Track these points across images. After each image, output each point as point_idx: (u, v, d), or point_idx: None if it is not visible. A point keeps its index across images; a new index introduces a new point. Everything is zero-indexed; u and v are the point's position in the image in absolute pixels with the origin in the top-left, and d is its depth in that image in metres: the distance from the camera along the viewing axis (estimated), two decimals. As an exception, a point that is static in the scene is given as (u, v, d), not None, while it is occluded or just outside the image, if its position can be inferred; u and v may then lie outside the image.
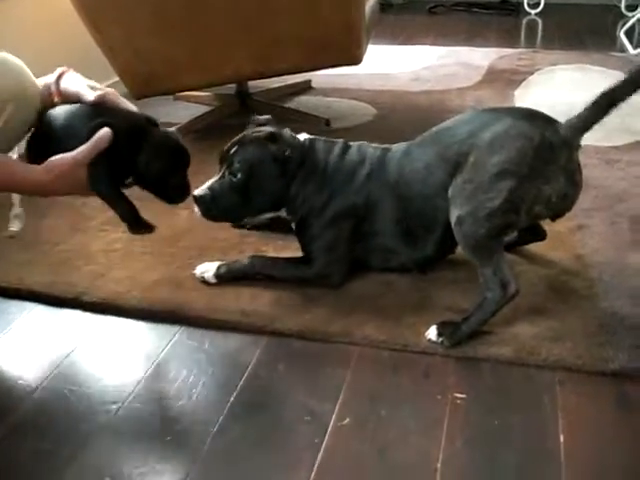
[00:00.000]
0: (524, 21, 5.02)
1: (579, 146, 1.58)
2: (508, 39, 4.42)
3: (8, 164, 1.44)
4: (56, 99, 1.55)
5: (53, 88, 1.55)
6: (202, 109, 3.10)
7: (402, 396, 1.42)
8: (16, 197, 1.72)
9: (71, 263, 1.91)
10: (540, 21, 4.99)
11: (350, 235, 1.74)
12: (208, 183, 1.71)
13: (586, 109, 1.53)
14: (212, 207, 1.70)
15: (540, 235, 1.82)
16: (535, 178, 1.51)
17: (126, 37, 2.52)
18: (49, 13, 2.82)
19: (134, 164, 1.50)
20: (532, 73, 3.53)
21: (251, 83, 3.11)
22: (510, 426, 1.32)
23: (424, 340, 1.54)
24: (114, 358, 1.59)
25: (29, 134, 1.54)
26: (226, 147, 1.73)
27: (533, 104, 2.98)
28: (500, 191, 1.50)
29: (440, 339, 1.53)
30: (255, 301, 1.70)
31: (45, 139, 1.51)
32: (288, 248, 1.90)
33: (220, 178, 1.71)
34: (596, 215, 2.04)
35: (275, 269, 1.78)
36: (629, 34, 4.28)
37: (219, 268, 1.78)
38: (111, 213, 2.04)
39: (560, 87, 3.28)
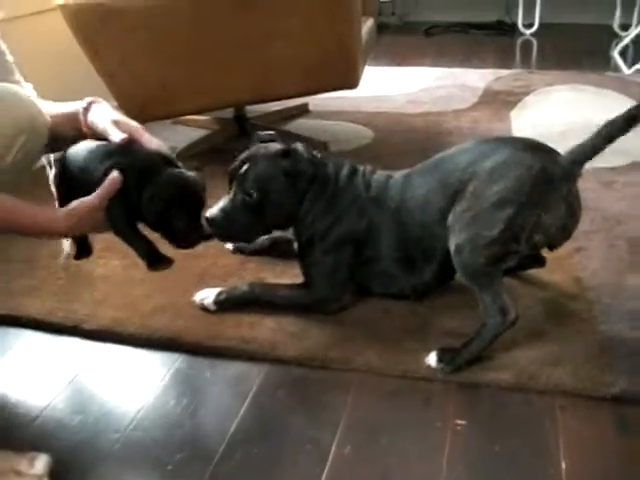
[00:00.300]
0: (519, 41, 5.05)
1: (579, 176, 1.59)
2: (504, 60, 4.45)
3: (30, 211, 1.45)
4: (84, 129, 1.58)
5: (81, 118, 1.57)
6: (200, 133, 3.12)
7: (402, 423, 1.42)
8: None
9: (71, 291, 1.91)
10: (535, 41, 5.02)
11: (351, 260, 1.74)
12: (220, 204, 1.68)
13: (587, 140, 1.56)
14: (226, 228, 1.68)
15: (539, 262, 1.82)
16: (534, 207, 1.51)
17: (123, 62, 2.52)
18: (47, 38, 2.84)
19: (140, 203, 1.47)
20: (528, 94, 3.55)
21: (249, 107, 3.13)
22: (511, 452, 1.32)
23: (424, 366, 1.54)
24: (115, 386, 1.58)
25: (54, 173, 1.58)
26: (234, 165, 1.70)
27: (529, 125, 3.03)
28: (499, 220, 1.51)
29: (440, 365, 1.53)
30: (255, 328, 1.70)
31: (67, 178, 1.55)
32: (287, 274, 1.91)
33: (232, 198, 1.69)
34: (594, 237, 2.04)
35: (275, 295, 1.78)
36: (623, 54, 4.30)
37: (219, 295, 1.78)
38: (109, 240, 2.05)
39: (556, 107, 3.30)
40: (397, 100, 3.60)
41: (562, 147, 2.65)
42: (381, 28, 4.80)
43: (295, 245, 1.80)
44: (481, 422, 1.40)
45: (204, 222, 1.60)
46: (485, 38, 5.15)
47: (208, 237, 1.59)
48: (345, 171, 1.76)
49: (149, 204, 1.45)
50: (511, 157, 1.56)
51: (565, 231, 1.59)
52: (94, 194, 1.44)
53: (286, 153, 1.68)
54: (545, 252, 1.81)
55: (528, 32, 5.16)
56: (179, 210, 1.47)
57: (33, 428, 1.46)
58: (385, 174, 1.79)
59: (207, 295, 1.79)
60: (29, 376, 1.64)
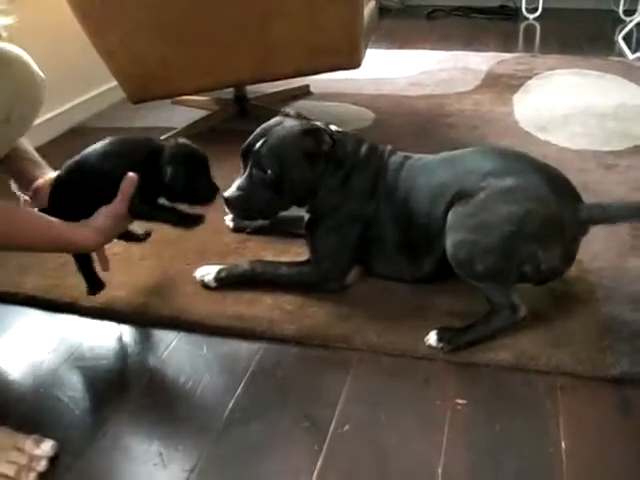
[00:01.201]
0: (522, 26, 5.03)
1: (588, 231, 1.59)
2: (506, 44, 4.42)
3: (55, 224, 1.47)
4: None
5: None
6: (200, 113, 3.09)
7: (402, 402, 1.41)
8: None
9: (69, 268, 1.88)
10: (538, 26, 4.99)
11: (357, 240, 1.72)
12: (236, 183, 1.66)
13: (614, 203, 1.59)
14: (244, 207, 1.67)
15: None
16: (534, 242, 1.50)
17: (123, 41, 2.50)
18: (48, 18, 2.81)
19: (161, 183, 1.55)
20: (530, 78, 3.53)
21: (249, 88, 3.10)
22: (511, 432, 1.31)
23: (424, 345, 1.53)
24: (112, 364, 1.57)
25: (53, 183, 1.60)
26: (249, 141, 1.67)
27: (532, 108, 3.01)
28: (499, 237, 1.49)
29: (440, 344, 1.52)
30: (254, 306, 1.69)
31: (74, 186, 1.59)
32: (288, 252, 1.90)
33: (248, 175, 1.65)
34: (596, 220, 2.02)
35: (276, 273, 1.76)
36: (627, 39, 4.28)
37: (219, 272, 1.76)
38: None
39: (558, 91, 3.28)
40: (398, 82, 3.57)
41: (564, 131, 2.67)
42: (383, 12, 4.78)
43: (305, 217, 1.77)
44: (481, 402, 1.39)
45: (223, 202, 1.65)
46: (488, 22, 5.12)
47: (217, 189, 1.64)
48: (364, 149, 1.73)
49: (174, 178, 1.54)
50: (534, 187, 1.52)
51: (555, 273, 1.60)
52: (116, 201, 1.51)
53: (307, 132, 1.65)
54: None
55: (531, 17, 5.14)
56: (198, 172, 1.58)
57: (29, 405, 1.45)
58: (403, 156, 1.76)
59: (208, 272, 1.77)
60: (26, 353, 1.62)
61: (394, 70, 3.82)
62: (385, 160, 1.73)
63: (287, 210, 1.75)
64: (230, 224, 2.06)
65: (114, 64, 2.55)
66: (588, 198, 2.09)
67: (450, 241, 1.55)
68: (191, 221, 1.62)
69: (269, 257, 1.89)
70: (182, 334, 1.64)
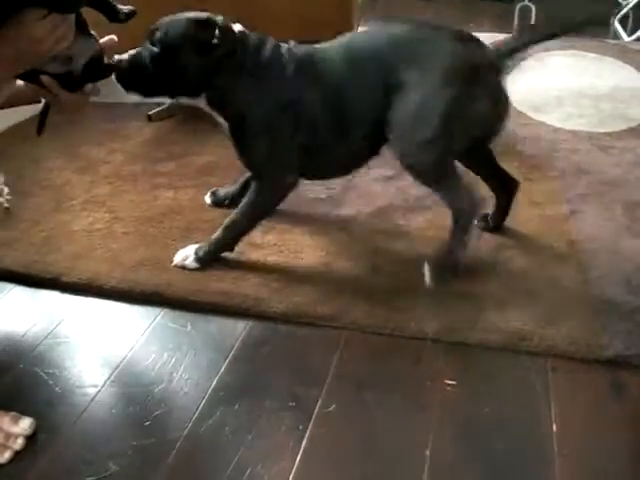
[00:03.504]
0: (518, 7, 4.96)
1: (505, 70, 1.65)
2: (501, 25, 4.37)
3: None
4: None
5: None
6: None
7: (390, 382, 1.38)
8: None
9: (51, 243, 1.86)
10: (534, 7, 4.93)
11: (288, 134, 1.66)
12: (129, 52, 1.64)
13: (513, 38, 1.67)
14: (127, 73, 1.63)
15: (513, 184, 1.82)
16: (464, 97, 1.55)
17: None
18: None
19: None
20: (525, 59, 3.47)
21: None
22: (501, 413, 1.29)
23: (413, 325, 1.50)
24: (93, 340, 1.53)
25: None
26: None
27: (526, 88, 2.96)
28: (435, 117, 1.53)
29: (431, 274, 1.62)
30: (239, 283, 1.65)
31: None
32: (273, 229, 1.87)
33: (140, 48, 1.64)
34: (589, 201, 1.99)
35: (240, 222, 1.73)
36: (623, 22, 4.23)
37: (197, 252, 1.72)
38: (93, 193, 2.01)
39: (554, 73, 3.24)
40: (392, 61, 3.52)
41: (558, 112, 2.64)
42: (377, -8, 4.72)
43: (225, 126, 1.70)
44: (471, 383, 1.37)
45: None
46: (483, 3, 5.06)
47: None
48: (269, 45, 1.68)
49: None
50: (442, 48, 1.58)
51: (494, 121, 1.64)
52: None
53: (199, 22, 1.61)
54: (539, 212, 1.78)
55: (527, -2, 5.08)
56: None
57: (8, 382, 1.41)
58: (311, 45, 1.72)
59: (186, 255, 1.73)
60: (6, 329, 1.59)
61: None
62: (293, 52, 1.68)
63: (176, 95, 1.70)
64: (208, 200, 2.03)
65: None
66: (583, 179, 2.09)
67: (398, 146, 1.61)
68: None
69: (256, 232, 1.83)
70: (166, 311, 1.60)
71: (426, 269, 1.62)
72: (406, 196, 2.03)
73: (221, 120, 1.69)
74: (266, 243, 1.82)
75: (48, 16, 1.27)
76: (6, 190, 1.99)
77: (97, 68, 1.46)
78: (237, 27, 1.66)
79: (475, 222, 1.77)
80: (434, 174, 1.62)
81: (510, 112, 1.66)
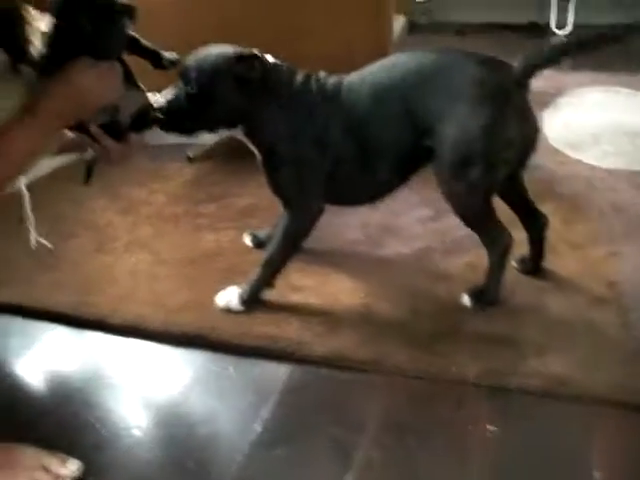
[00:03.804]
0: (552, 42, 4.99)
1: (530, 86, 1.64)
2: (536, 60, 4.38)
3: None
4: None
5: None
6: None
7: (432, 427, 1.38)
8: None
9: (95, 284, 1.90)
10: (568, 42, 4.95)
11: (318, 162, 1.70)
12: (164, 93, 1.67)
13: (540, 50, 1.62)
14: (169, 116, 1.66)
15: (543, 220, 1.82)
16: (498, 121, 1.55)
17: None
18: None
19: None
20: (561, 95, 3.49)
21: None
22: (542, 460, 1.28)
23: (454, 369, 1.50)
24: (138, 382, 1.56)
25: None
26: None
27: (562, 126, 2.97)
28: (475, 153, 1.55)
29: (473, 304, 1.69)
30: (281, 326, 1.67)
31: None
32: (313, 271, 1.89)
33: (175, 88, 1.67)
34: (629, 241, 1.98)
35: (278, 254, 1.75)
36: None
37: (240, 294, 1.75)
38: (136, 234, 2.05)
39: (589, 109, 3.24)
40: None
41: (595, 150, 2.64)
42: (412, 27, 4.76)
43: (258, 156, 1.74)
44: (512, 428, 1.36)
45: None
46: (517, 39, 5.08)
47: None
48: (300, 77, 1.72)
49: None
50: (468, 74, 1.57)
51: (529, 140, 1.64)
52: None
53: (239, 56, 1.64)
54: (579, 254, 1.78)
55: (561, 33, 5.10)
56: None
57: (54, 422, 1.44)
58: (340, 76, 1.74)
59: (229, 297, 1.75)
60: (53, 370, 1.63)
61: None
62: (322, 83, 1.72)
63: (215, 130, 1.73)
64: (249, 242, 2.07)
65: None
66: (621, 219, 2.08)
67: (445, 189, 1.63)
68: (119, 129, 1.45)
69: (294, 271, 1.87)
70: (209, 353, 1.62)
71: (466, 300, 1.70)
72: (445, 237, 2.04)
73: (255, 150, 1.74)
74: (306, 285, 1.84)
75: (95, 68, 1.32)
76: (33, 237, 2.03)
77: (144, 120, 1.51)
78: (269, 58, 1.71)
79: (514, 264, 1.81)
80: (481, 212, 1.64)
81: (540, 130, 1.68)
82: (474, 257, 1.86)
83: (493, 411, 1.41)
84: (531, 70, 1.59)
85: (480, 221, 1.66)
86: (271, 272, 1.76)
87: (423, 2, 5.49)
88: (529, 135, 1.62)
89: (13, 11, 1.36)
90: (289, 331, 1.65)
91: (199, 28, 2.46)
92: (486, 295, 1.70)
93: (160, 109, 1.64)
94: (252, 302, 1.75)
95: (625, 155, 2.64)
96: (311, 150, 1.69)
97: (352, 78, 1.72)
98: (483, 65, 1.59)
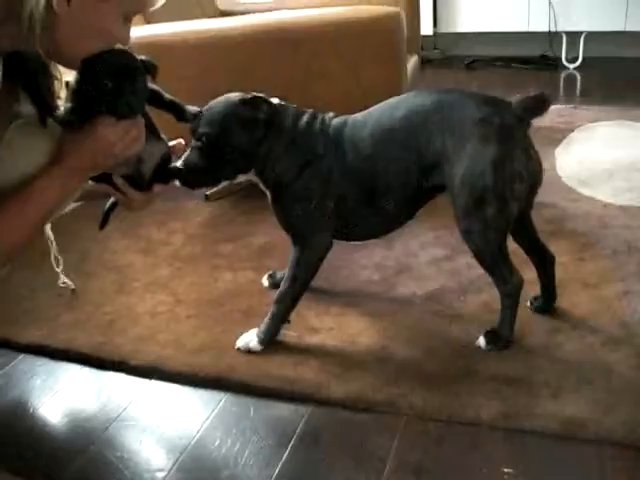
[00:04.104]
0: (563, 75, 5.03)
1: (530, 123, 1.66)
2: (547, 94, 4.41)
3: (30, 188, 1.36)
4: None
5: None
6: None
7: (448, 469, 1.40)
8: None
9: (117, 325, 1.94)
10: (579, 76, 5.00)
11: (323, 199, 1.75)
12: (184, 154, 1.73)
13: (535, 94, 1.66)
14: (187, 177, 1.72)
15: (550, 257, 1.85)
16: (505, 158, 1.60)
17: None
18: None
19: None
20: (572, 130, 3.52)
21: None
22: (559, 503, 1.30)
23: (470, 411, 1.52)
24: (160, 424, 1.59)
25: None
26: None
27: (574, 161, 3.01)
28: (487, 193, 1.60)
29: (490, 346, 1.72)
30: (299, 368, 1.70)
31: None
32: (329, 312, 1.92)
33: (190, 148, 1.73)
34: (643, 280, 2.01)
35: (291, 289, 1.79)
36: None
37: (258, 334, 1.78)
38: (156, 275, 2.08)
39: (601, 144, 3.27)
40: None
41: (608, 186, 2.66)
42: (423, 62, 4.82)
43: (267, 194, 1.81)
44: (528, 471, 1.38)
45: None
46: (528, 72, 5.14)
47: None
48: (305, 117, 1.78)
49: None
50: (472, 114, 1.63)
51: (535, 175, 1.67)
52: None
53: (244, 101, 1.71)
54: (592, 293, 1.80)
55: (572, 66, 5.14)
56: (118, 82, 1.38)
57: (81, 464, 1.47)
58: (346, 116, 1.81)
59: (249, 338, 1.79)
60: (76, 411, 1.66)
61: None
62: (327, 122, 1.79)
63: (233, 178, 1.80)
64: (266, 283, 2.11)
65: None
66: (635, 257, 2.10)
67: (462, 228, 1.67)
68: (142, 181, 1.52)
69: (312, 308, 1.92)
70: (228, 395, 1.65)
71: (482, 342, 1.73)
72: (459, 278, 2.07)
73: (264, 189, 1.81)
74: (323, 327, 1.87)
75: (119, 122, 1.38)
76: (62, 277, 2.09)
77: (166, 171, 1.56)
78: (275, 100, 1.78)
79: (528, 304, 1.85)
80: (497, 250, 1.66)
81: (543, 166, 1.70)
82: (488, 297, 1.89)
83: (509, 453, 1.42)
84: (531, 109, 1.64)
85: (495, 260, 1.68)
86: (285, 308, 1.80)
87: (430, 35, 5.55)
88: (534, 170, 1.66)
89: (41, 66, 1.42)
90: (306, 373, 1.68)
91: (217, 75, 2.52)
92: (500, 336, 1.73)
93: (179, 171, 1.70)
94: (270, 340, 1.79)
95: (639, 191, 2.65)
96: (316, 188, 1.75)
97: (356, 117, 1.79)
98: (485, 104, 1.64)
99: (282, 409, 1.60)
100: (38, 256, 1.99)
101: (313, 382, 1.64)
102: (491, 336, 1.73)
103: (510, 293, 1.71)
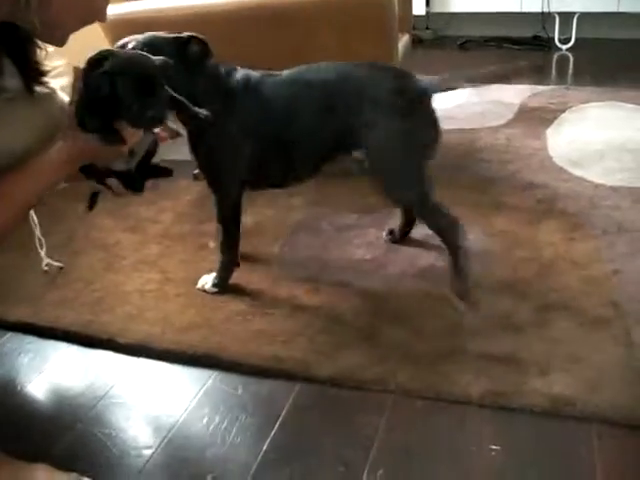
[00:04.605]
0: (555, 56, 5.01)
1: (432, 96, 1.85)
2: (540, 75, 4.41)
3: (31, 167, 1.36)
4: None
5: None
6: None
7: (436, 446, 1.40)
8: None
9: (105, 303, 1.93)
10: (571, 57, 4.98)
11: (242, 149, 1.83)
12: None
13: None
14: None
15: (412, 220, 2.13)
16: (414, 126, 1.79)
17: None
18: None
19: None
20: (564, 111, 3.51)
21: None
22: (546, 479, 1.30)
23: (457, 389, 1.52)
24: (147, 402, 1.59)
25: None
26: None
27: (566, 142, 3.00)
28: (400, 154, 1.80)
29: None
30: (288, 346, 1.69)
31: None
32: (320, 290, 1.92)
33: None
34: (632, 260, 2.00)
35: (225, 237, 1.94)
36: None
37: (214, 280, 1.95)
38: (145, 253, 2.07)
39: (592, 125, 3.26)
40: (432, 116, 3.57)
41: (599, 167, 2.66)
42: (415, 42, 4.80)
43: (184, 133, 1.83)
44: (516, 448, 1.38)
45: None
46: (521, 53, 5.11)
47: None
48: (238, 73, 1.86)
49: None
50: (388, 83, 1.79)
51: (436, 142, 1.87)
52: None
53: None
54: (581, 273, 1.80)
55: (564, 47, 5.13)
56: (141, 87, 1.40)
57: (66, 442, 1.47)
58: (272, 72, 1.89)
59: (206, 281, 1.96)
60: (64, 389, 1.65)
61: (427, 102, 3.81)
62: (256, 78, 1.86)
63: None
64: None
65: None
66: (624, 237, 2.10)
67: (390, 188, 1.86)
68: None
69: (302, 286, 1.93)
70: (217, 373, 1.65)
71: (455, 300, 1.80)
72: (446, 258, 2.04)
73: (183, 132, 1.83)
74: (313, 305, 1.87)
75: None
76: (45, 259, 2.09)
77: (149, 163, 1.55)
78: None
79: (384, 236, 2.18)
80: (420, 204, 1.84)
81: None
82: (477, 277, 1.89)
83: (497, 431, 1.42)
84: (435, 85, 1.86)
85: (423, 207, 1.84)
86: (229, 252, 1.95)
87: (422, 15, 5.52)
88: (437, 133, 1.85)
89: (24, 34, 1.40)
90: (294, 351, 1.68)
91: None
92: (462, 285, 1.83)
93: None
94: (224, 285, 1.95)
95: (629, 172, 2.65)
96: (235, 138, 1.82)
97: (283, 75, 1.89)
98: (397, 77, 1.82)
99: (270, 387, 1.59)
100: (26, 236, 1.98)
101: (302, 360, 1.64)
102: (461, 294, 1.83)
103: (453, 241, 1.83)
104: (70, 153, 1.37)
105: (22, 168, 1.34)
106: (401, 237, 2.17)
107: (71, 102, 1.42)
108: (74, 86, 1.42)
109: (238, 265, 1.99)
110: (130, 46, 1.69)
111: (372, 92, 1.76)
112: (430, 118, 1.83)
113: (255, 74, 1.86)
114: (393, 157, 1.80)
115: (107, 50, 1.43)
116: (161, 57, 1.45)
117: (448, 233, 1.82)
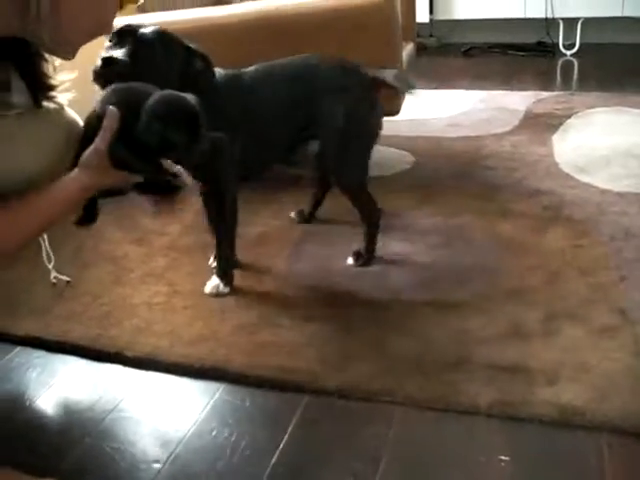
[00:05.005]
0: (560, 62, 5.02)
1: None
2: (544, 81, 4.41)
3: (47, 194, 1.41)
4: None
5: None
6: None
7: (445, 458, 1.40)
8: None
9: (113, 317, 1.93)
10: (576, 62, 4.98)
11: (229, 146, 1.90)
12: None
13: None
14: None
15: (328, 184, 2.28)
16: (362, 115, 2.00)
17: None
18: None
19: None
20: (569, 117, 3.51)
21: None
22: (556, 490, 1.30)
23: (466, 399, 1.52)
24: (156, 415, 1.59)
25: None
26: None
27: (571, 148, 3.00)
28: (351, 146, 2.00)
29: (358, 263, 2.10)
30: (295, 357, 1.69)
31: None
32: (324, 302, 1.91)
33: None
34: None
35: (227, 237, 2.05)
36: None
37: (220, 279, 2.01)
38: (152, 266, 2.08)
39: (598, 131, 3.26)
40: (437, 123, 3.58)
41: (605, 173, 2.65)
42: (419, 49, 4.81)
43: None
44: (525, 458, 1.38)
45: None
46: (525, 59, 5.12)
47: None
48: (222, 73, 1.96)
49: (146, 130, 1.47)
50: (339, 76, 1.99)
51: (380, 125, 2.07)
52: (97, 137, 1.45)
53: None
54: (589, 280, 1.79)
55: (569, 53, 5.13)
56: (176, 129, 1.49)
57: (77, 456, 1.46)
58: (255, 67, 2.03)
59: (215, 283, 2.01)
60: (71, 402, 1.65)
61: (432, 111, 3.83)
62: (230, 73, 1.98)
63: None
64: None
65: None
66: (632, 243, 2.09)
67: (334, 170, 2.06)
68: (169, 187, 1.56)
69: (308, 297, 1.92)
70: (224, 385, 1.65)
71: (350, 261, 2.10)
72: (454, 266, 2.06)
73: None
74: (319, 316, 1.86)
75: None
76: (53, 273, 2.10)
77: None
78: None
79: (293, 216, 2.40)
80: (359, 189, 2.05)
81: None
82: (483, 285, 1.89)
83: (505, 441, 1.42)
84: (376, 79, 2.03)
85: (360, 194, 2.05)
86: (231, 252, 2.07)
87: (426, 23, 5.53)
88: (380, 121, 2.05)
89: (33, 49, 1.42)
90: (301, 363, 1.67)
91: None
92: (364, 255, 2.11)
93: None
94: (231, 280, 2.02)
95: (636, 178, 2.64)
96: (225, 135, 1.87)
97: (259, 70, 2.02)
98: (348, 69, 2.00)
99: (278, 399, 1.59)
100: (35, 249, 1.98)
101: (309, 372, 1.64)
102: (357, 256, 2.11)
103: (375, 222, 2.10)
104: (87, 187, 1.45)
105: (38, 192, 1.37)
106: (310, 217, 2.39)
107: (101, 142, 1.44)
108: (106, 127, 1.45)
109: (235, 257, 2.10)
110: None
111: (323, 84, 1.95)
112: (377, 107, 2.02)
113: (229, 70, 1.98)
114: (343, 144, 1.97)
115: (120, 86, 1.55)
116: (191, 95, 1.55)
117: (372, 215, 2.08)
